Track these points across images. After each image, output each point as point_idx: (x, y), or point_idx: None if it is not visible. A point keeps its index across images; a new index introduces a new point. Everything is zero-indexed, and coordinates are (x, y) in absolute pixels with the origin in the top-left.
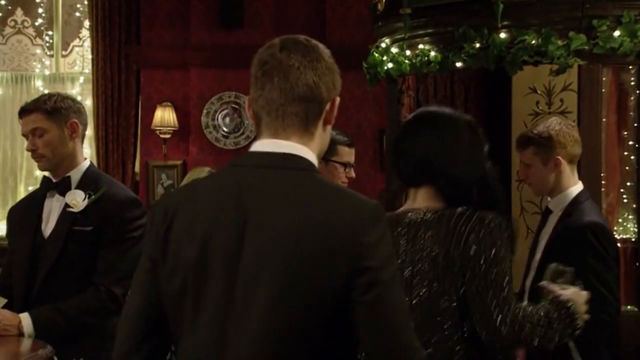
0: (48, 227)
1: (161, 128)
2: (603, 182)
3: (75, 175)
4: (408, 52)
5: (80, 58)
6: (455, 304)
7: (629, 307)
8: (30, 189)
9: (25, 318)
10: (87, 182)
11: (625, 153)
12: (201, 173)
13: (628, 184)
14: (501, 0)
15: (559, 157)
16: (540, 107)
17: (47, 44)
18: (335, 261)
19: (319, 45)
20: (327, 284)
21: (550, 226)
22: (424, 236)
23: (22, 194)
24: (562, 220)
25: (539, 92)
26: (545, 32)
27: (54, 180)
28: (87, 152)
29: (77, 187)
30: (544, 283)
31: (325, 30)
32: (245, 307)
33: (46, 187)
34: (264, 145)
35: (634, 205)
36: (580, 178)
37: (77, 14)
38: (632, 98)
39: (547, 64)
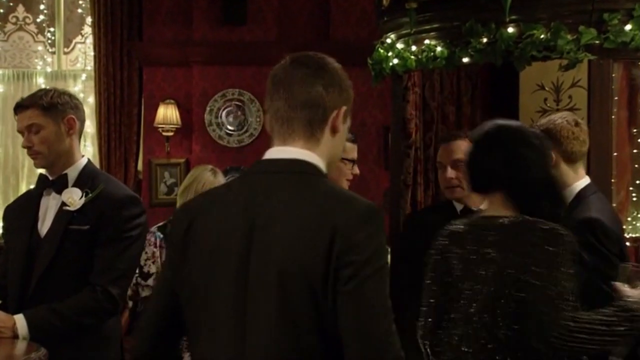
0: (44, 225)
1: (164, 126)
2: (613, 180)
3: (72, 172)
4: (414, 48)
5: (82, 55)
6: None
7: None
8: (32, 187)
9: (19, 319)
10: (85, 179)
11: (635, 151)
12: (204, 171)
13: (638, 182)
14: None
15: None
16: (548, 104)
17: (49, 41)
18: (326, 256)
19: (326, 59)
20: (321, 279)
21: None
22: (506, 243)
23: (24, 192)
24: (566, 216)
25: (547, 88)
26: (555, 27)
27: (50, 178)
28: (89, 150)
29: (74, 185)
30: (617, 284)
31: (329, 27)
32: (257, 307)
33: (42, 185)
34: (272, 152)
35: None
36: (589, 176)
37: (79, 10)
38: None
39: (556, 59)
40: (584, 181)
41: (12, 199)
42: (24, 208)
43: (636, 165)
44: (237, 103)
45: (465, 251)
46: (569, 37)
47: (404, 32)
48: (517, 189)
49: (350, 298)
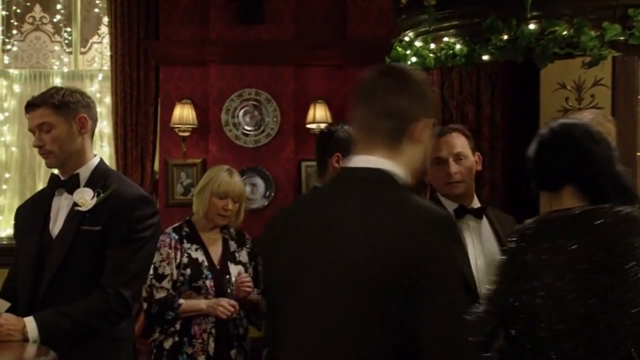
0: (56, 226)
1: (180, 126)
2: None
3: (84, 172)
4: (432, 46)
5: (99, 55)
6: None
7: None
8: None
9: (29, 322)
10: (96, 179)
11: None
12: (220, 172)
13: None
14: None
15: None
16: (569, 103)
17: (66, 41)
18: (403, 266)
19: (413, 71)
20: (396, 288)
21: None
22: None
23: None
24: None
25: (568, 87)
26: (578, 22)
27: (62, 178)
28: (105, 151)
29: (85, 185)
30: None
31: (346, 26)
32: (328, 312)
33: (54, 185)
34: (355, 161)
35: None
36: None
37: (96, 10)
38: None
39: (579, 56)
40: None
41: None
42: (36, 208)
43: None
44: (254, 103)
45: (541, 248)
46: (593, 33)
47: (423, 29)
48: (588, 182)
49: (430, 308)
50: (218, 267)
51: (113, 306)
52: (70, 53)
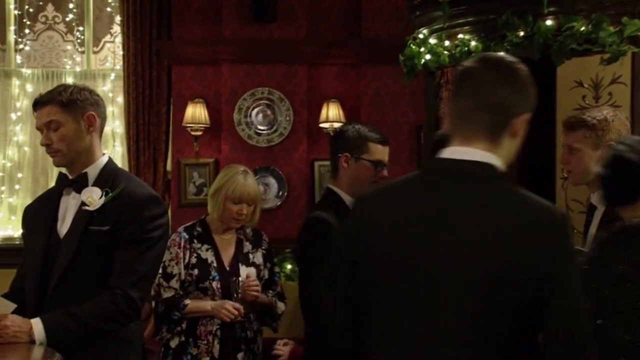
0: (64, 226)
1: (192, 125)
2: None
3: (92, 171)
4: (447, 43)
5: (111, 54)
6: None
7: None
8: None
9: (36, 324)
10: (105, 178)
11: None
12: (236, 174)
13: None
14: None
15: (612, 142)
16: (586, 101)
17: (78, 40)
18: (528, 265)
19: (516, 63)
20: (522, 288)
21: (596, 222)
22: None
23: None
24: (606, 213)
25: (585, 85)
26: (596, 18)
27: (70, 177)
28: (118, 150)
29: (94, 184)
30: None
31: (360, 24)
32: (448, 313)
33: (62, 184)
34: (452, 152)
35: None
36: None
37: (108, 9)
38: None
39: (597, 52)
40: None
41: None
42: (43, 208)
43: None
44: (266, 102)
45: (621, 257)
46: (612, 29)
47: (437, 26)
48: None
49: (558, 307)
50: (228, 268)
51: (121, 308)
52: (83, 52)
